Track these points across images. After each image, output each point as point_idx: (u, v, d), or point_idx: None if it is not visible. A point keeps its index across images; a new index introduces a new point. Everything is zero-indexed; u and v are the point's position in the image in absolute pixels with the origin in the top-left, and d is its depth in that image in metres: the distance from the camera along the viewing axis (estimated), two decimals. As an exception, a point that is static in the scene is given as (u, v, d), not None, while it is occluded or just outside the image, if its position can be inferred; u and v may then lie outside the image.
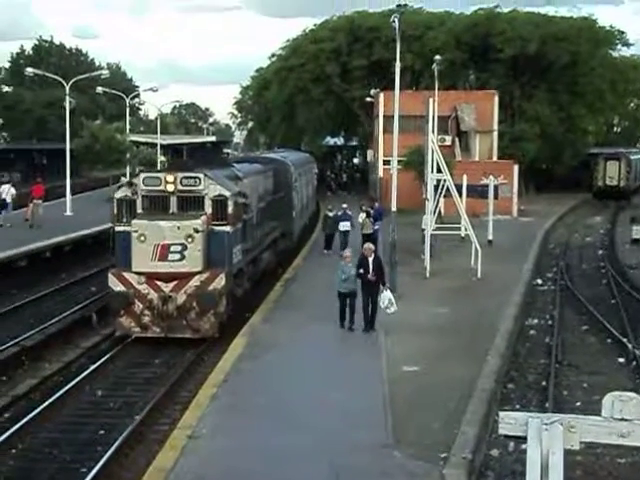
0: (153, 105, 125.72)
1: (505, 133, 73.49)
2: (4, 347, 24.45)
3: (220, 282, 24.65)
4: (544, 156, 77.85)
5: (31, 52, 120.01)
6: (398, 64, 32.35)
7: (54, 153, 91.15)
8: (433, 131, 36.90)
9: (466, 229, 36.91)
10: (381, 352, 22.10)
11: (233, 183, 27.38)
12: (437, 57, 56.25)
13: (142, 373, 22.72)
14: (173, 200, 25.34)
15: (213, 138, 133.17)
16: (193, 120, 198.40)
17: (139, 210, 25.53)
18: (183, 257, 24.50)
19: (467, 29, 78.23)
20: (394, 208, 31.79)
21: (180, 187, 25.23)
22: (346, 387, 19.32)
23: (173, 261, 24.50)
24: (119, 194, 25.93)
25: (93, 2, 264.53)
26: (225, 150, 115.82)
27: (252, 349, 22.55)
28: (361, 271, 24.18)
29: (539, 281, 37.82)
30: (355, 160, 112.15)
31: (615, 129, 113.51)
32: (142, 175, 26.17)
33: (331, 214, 41.29)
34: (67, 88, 59.29)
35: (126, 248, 24.95)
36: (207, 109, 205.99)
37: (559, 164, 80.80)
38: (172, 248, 24.45)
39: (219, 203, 25.30)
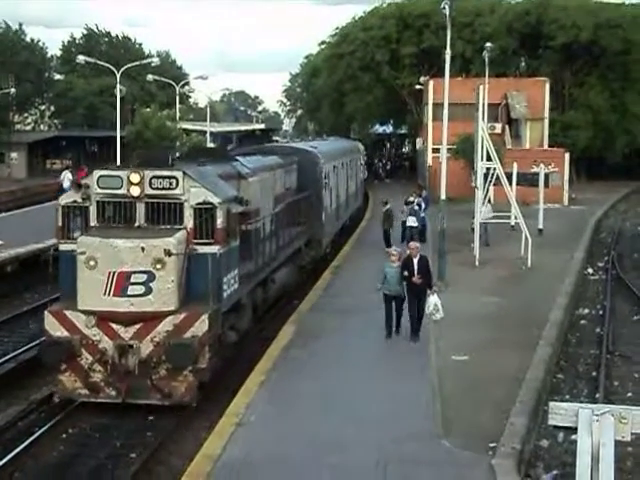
0: (203, 93, 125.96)
1: (556, 121, 72.89)
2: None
3: (202, 326, 18.10)
4: (596, 144, 77.01)
5: (81, 41, 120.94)
6: (448, 51, 32.13)
7: (105, 140, 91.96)
8: (483, 119, 36.61)
9: (516, 218, 36.64)
10: (430, 341, 22.00)
11: (231, 184, 21.45)
12: (488, 44, 56.04)
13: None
14: (139, 209, 19.00)
15: (262, 126, 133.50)
16: (242, 108, 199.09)
17: (92, 222, 19.17)
18: (149, 291, 18.03)
19: (518, 16, 77.77)
20: (443, 196, 31.62)
21: (150, 190, 18.85)
22: (394, 375, 19.30)
23: (135, 296, 18.00)
24: (65, 199, 19.47)
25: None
26: (274, 138, 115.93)
27: (300, 337, 22.57)
28: (405, 273, 21.97)
29: (590, 270, 37.49)
30: (404, 148, 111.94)
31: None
32: (96, 173, 19.23)
33: (385, 207, 38.27)
34: (118, 76, 59.67)
35: (72, 276, 18.48)
36: (256, 97, 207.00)
37: (611, 152, 79.85)
38: (134, 278, 18.01)
39: (204, 213, 18.91)
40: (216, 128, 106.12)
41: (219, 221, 18.96)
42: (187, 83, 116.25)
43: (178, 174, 18.85)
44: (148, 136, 67.40)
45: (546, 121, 70.15)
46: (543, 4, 78.55)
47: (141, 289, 18.02)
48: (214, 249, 18.83)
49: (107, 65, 68.01)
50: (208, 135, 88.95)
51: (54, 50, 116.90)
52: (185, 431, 17.56)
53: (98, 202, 19.10)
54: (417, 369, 19.79)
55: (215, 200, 18.95)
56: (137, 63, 76.74)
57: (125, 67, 66.07)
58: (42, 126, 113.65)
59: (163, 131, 68.76)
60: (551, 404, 9.43)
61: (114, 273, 17.97)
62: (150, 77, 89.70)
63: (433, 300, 21.85)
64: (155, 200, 18.90)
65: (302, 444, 15.09)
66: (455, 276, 30.51)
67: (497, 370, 19.66)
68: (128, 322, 18.17)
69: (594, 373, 22.22)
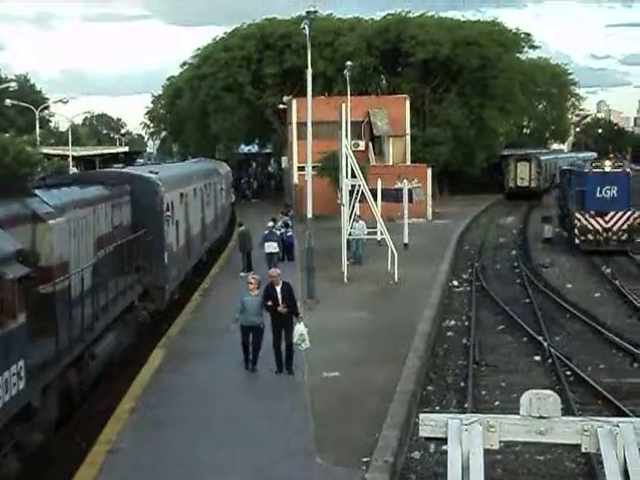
0: (64, 117, 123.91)
1: (417, 137, 74.13)
2: None
3: None
4: (456, 159, 78.62)
5: None
6: (309, 71, 32.41)
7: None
8: (347, 136, 36.98)
9: (382, 233, 37.08)
10: (301, 359, 22.01)
11: (16, 232, 15.24)
12: (348, 63, 56.65)
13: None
14: None
15: (126, 149, 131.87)
16: (105, 131, 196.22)
17: None
18: None
19: (378, 34, 78.92)
20: (310, 214, 31.80)
21: None
22: (266, 395, 19.26)
23: None
24: None
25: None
26: (138, 160, 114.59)
27: (170, 360, 22.32)
28: (269, 303, 20.55)
29: (455, 283, 38.14)
30: (270, 168, 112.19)
31: (525, 131, 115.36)
32: None
33: (239, 229, 38.03)
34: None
35: None
36: (119, 119, 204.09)
37: (471, 166, 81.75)
38: None
39: None
40: (79, 152, 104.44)
41: None
42: (47, 107, 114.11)
43: None
44: (7, 162, 65.76)
45: (408, 137, 71.22)
46: (402, 21, 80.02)
47: None
48: None
49: (-38, 90, 66.36)
50: (70, 159, 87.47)
51: None
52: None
53: None
54: (289, 388, 19.80)
55: None
56: (-6, 88, 75.04)
57: (-18, 92, 64.52)
58: None
59: (23, 157, 67.17)
60: (421, 416, 9.52)
61: None
62: (8, 102, 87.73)
63: (299, 329, 20.39)
64: None
65: (176, 469, 14.88)
66: (324, 293, 30.68)
67: (368, 384, 19.80)
68: None
69: (462, 383, 22.56)
